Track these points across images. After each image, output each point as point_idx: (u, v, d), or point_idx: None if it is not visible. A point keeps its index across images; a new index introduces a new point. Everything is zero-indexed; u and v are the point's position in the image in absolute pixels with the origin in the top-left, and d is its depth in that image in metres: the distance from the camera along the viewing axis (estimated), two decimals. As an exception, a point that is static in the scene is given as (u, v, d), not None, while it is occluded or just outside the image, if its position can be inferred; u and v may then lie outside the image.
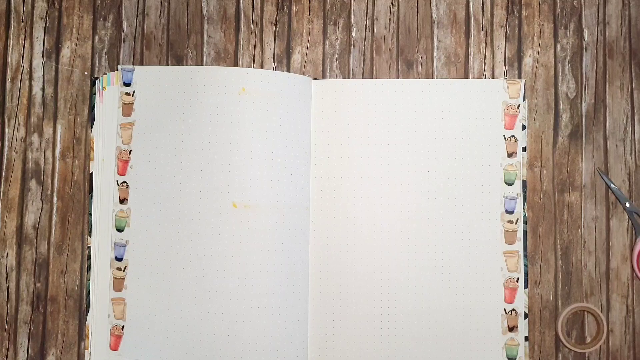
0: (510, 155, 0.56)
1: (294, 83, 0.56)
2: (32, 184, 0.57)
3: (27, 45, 0.58)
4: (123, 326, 0.54)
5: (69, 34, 0.58)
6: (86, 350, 0.55)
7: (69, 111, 0.57)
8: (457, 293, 0.54)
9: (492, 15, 0.58)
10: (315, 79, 0.57)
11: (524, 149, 0.56)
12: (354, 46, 0.58)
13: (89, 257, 0.56)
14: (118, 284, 0.55)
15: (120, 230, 0.55)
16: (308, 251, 0.55)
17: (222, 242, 0.54)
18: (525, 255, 0.55)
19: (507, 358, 0.54)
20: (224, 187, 0.54)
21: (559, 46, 0.58)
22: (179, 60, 0.58)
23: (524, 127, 0.56)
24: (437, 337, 0.54)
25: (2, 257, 0.56)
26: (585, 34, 0.58)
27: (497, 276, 0.55)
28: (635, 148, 0.57)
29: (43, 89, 0.58)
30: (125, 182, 0.56)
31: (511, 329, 0.54)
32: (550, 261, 0.56)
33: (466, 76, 0.57)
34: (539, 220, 0.56)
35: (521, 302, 0.55)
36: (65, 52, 0.58)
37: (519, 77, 0.57)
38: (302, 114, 0.56)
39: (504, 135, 0.56)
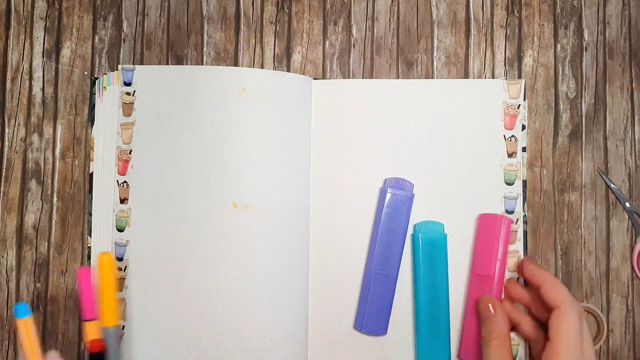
0: (510, 155, 0.56)
1: (294, 83, 0.56)
2: (32, 184, 0.57)
3: (27, 45, 0.58)
4: (123, 326, 0.54)
5: (69, 34, 0.58)
6: (86, 351, 0.55)
7: (69, 111, 0.57)
8: (457, 293, 0.54)
9: (492, 15, 0.58)
10: (315, 79, 0.57)
11: (524, 149, 0.56)
12: (354, 46, 0.58)
13: (89, 257, 0.56)
14: (118, 284, 0.55)
15: (120, 230, 0.55)
16: (308, 251, 0.55)
17: (222, 242, 0.54)
18: (526, 255, 0.55)
19: (507, 358, 0.54)
20: (224, 187, 0.54)
21: (559, 46, 0.58)
22: (179, 60, 0.58)
23: (524, 127, 0.56)
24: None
25: (2, 257, 0.56)
26: (585, 34, 0.58)
27: (497, 276, 0.55)
28: (635, 148, 0.57)
29: (43, 89, 0.58)
30: (125, 181, 0.56)
31: (511, 328, 0.54)
32: (550, 261, 0.56)
33: (466, 76, 0.57)
34: (539, 220, 0.56)
35: (521, 302, 0.55)
36: (65, 52, 0.58)
37: (519, 77, 0.57)
38: (302, 114, 0.56)
39: (504, 135, 0.56)
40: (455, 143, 0.56)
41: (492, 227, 0.53)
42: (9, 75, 0.58)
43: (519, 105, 0.56)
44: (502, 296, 0.53)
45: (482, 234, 0.54)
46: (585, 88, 0.57)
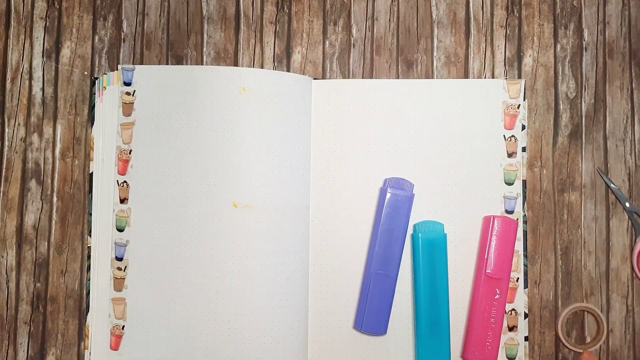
0: (510, 155, 0.56)
1: (294, 83, 0.56)
2: (32, 184, 0.57)
3: (27, 45, 0.58)
4: (123, 326, 0.54)
5: (69, 34, 0.58)
6: (86, 350, 0.55)
7: (69, 111, 0.57)
8: (457, 293, 0.54)
9: (492, 15, 0.58)
10: (315, 79, 0.57)
11: (524, 149, 0.56)
12: (354, 46, 0.58)
13: (89, 257, 0.56)
14: (118, 283, 0.55)
15: (120, 230, 0.55)
16: (308, 251, 0.55)
17: (222, 242, 0.54)
18: (525, 255, 0.55)
19: (507, 358, 0.54)
20: (224, 187, 0.54)
21: (559, 46, 0.58)
22: (179, 60, 0.58)
23: (524, 127, 0.56)
24: (437, 337, 0.54)
25: (2, 257, 0.56)
26: (585, 34, 0.58)
27: (497, 276, 0.55)
28: (635, 148, 0.57)
29: (43, 89, 0.58)
30: (125, 181, 0.56)
31: (511, 328, 0.54)
32: (550, 261, 0.56)
33: (466, 76, 0.57)
34: (539, 220, 0.56)
35: (521, 302, 0.55)
36: (65, 52, 0.58)
37: (519, 77, 0.57)
38: (302, 114, 0.56)
39: (504, 135, 0.56)
40: (455, 143, 0.56)
41: (507, 231, 0.53)
42: (9, 75, 0.58)
43: (519, 105, 0.56)
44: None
45: (495, 237, 0.53)
46: (585, 88, 0.57)
